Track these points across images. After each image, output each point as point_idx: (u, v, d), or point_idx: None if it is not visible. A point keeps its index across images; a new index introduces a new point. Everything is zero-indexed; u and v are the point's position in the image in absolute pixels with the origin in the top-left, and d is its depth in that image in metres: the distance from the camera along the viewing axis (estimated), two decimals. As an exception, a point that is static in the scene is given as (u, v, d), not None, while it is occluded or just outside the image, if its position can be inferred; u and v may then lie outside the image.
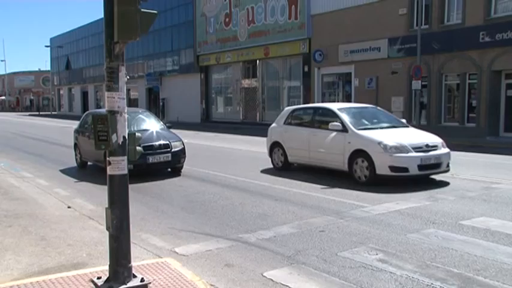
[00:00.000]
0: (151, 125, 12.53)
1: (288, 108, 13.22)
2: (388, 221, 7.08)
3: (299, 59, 29.78)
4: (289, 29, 29.78)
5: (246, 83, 34.91)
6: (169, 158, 11.39)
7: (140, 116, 12.95)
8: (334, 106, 11.64)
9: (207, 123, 36.94)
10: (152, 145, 11.23)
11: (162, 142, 11.46)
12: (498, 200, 8.32)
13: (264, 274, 5.09)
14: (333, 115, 10.99)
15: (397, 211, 7.63)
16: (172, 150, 11.51)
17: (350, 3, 25.81)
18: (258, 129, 29.03)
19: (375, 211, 7.67)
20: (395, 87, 23.60)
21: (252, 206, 8.29)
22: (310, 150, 11.35)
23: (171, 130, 12.77)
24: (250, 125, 31.88)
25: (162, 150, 11.33)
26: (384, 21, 23.78)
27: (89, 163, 13.35)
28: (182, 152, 11.82)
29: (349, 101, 27.05)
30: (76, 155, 13.80)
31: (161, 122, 13.09)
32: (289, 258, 5.59)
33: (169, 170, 12.10)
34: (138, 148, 4.57)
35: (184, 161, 11.99)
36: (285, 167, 12.21)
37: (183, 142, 12.01)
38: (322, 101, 28.65)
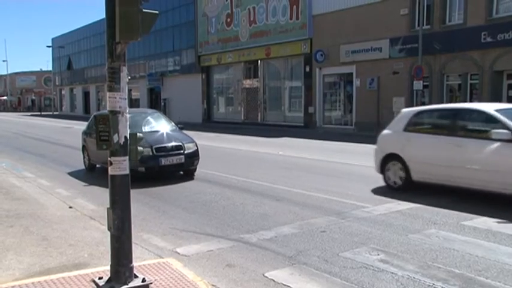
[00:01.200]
0: (162, 126, 12.10)
1: (408, 110, 9.97)
2: (389, 221, 7.08)
3: (300, 59, 29.76)
4: (291, 29, 29.77)
5: (247, 83, 34.90)
6: (183, 160, 10.93)
7: (151, 116, 12.53)
8: (488, 107, 8.54)
9: (209, 123, 36.94)
10: (164, 147, 10.86)
11: (174, 143, 11.04)
12: (500, 200, 8.31)
13: (266, 274, 5.09)
14: (490, 119, 8.12)
15: (398, 211, 7.63)
16: (186, 151, 11.03)
17: (351, 3, 25.80)
18: (259, 129, 29.09)
19: (376, 211, 7.66)
20: (397, 87, 23.58)
21: (253, 206, 8.29)
22: (453, 166, 8.36)
23: (183, 131, 12.40)
24: (252, 126, 31.89)
25: (175, 152, 10.89)
26: (386, 21, 23.77)
27: (97, 166, 12.74)
28: (195, 153, 11.34)
29: (350, 101, 27.09)
30: (84, 157, 13.27)
31: (172, 123, 12.65)
32: (291, 258, 5.59)
33: (181, 173, 11.58)
34: (139, 148, 4.57)
35: (197, 163, 11.49)
36: (406, 185, 9.11)
37: (196, 144, 11.50)
38: (323, 102, 28.71)
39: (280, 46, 30.66)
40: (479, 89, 20.75)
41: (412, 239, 6.17)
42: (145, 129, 11.45)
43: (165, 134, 11.52)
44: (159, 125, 12.10)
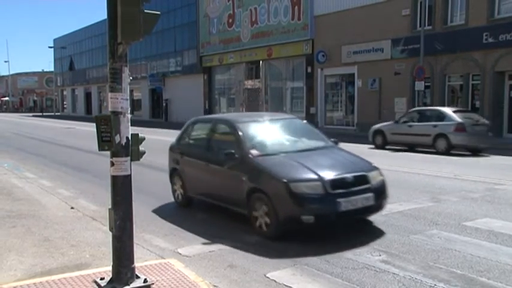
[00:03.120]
0: (314, 141, 7.88)
1: None
2: (390, 222, 7.06)
3: (302, 60, 29.77)
4: (292, 30, 29.78)
5: (249, 83, 34.92)
6: (372, 202, 6.52)
7: (292, 125, 8.39)
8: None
9: (210, 124, 36.88)
10: (343, 179, 6.43)
11: (355, 173, 6.61)
12: (501, 201, 8.30)
13: (267, 275, 5.09)
14: None
15: (399, 212, 7.62)
16: (373, 186, 6.63)
17: (353, 4, 25.81)
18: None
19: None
20: (398, 88, 23.57)
21: (254, 207, 8.27)
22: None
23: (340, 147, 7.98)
24: (253, 126, 31.83)
25: (359, 188, 6.45)
26: (387, 22, 23.76)
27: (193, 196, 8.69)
28: (384, 188, 6.85)
29: (351, 102, 27.08)
30: (174, 185, 8.85)
31: (324, 135, 8.18)
32: (292, 259, 5.58)
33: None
34: (141, 149, 4.57)
35: (386, 202, 6.97)
36: None
37: (380, 171, 7.06)
38: (325, 102, 28.70)
39: (281, 47, 30.67)
40: (481, 89, 20.74)
41: (414, 240, 6.16)
42: (295, 146, 7.55)
43: (332, 157, 7.22)
44: (310, 140, 7.91)
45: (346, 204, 6.19)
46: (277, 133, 7.90)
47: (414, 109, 18.24)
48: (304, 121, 9.06)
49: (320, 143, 7.71)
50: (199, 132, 8.87)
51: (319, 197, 6.13)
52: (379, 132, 17.91)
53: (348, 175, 6.48)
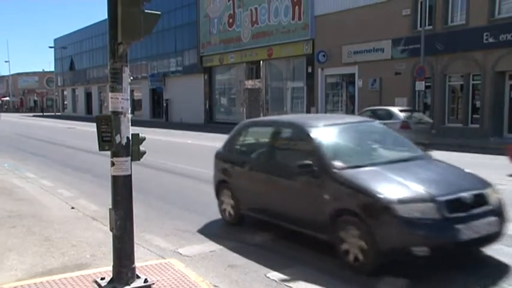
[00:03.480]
0: (402, 147, 6.70)
1: None
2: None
3: (302, 60, 29.77)
4: (293, 30, 29.78)
5: (249, 83, 34.92)
6: (496, 227, 5.23)
7: (376, 131, 7.06)
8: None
9: (211, 124, 36.96)
10: (460, 199, 5.11)
11: (472, 192, 5.27)
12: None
13: (268, 275, 5.08)
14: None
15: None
16: (494, 207, 5.35)
17: (353, 4, 25.80)
18: (261, 130, 29.00)
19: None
20: (399, 88, 23.56)
21: (255, 207, 8.27)
22: None
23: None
24: (254, 126, 31.83)
25: (480, 211, 5.17)
26: (388, 22, 23.75)
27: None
28: (504, 208, 5.48)
29: (352, 102, 27.09)
30: (222, 200, 7.38)
31: (409, 141, 6.95)
32: (293, 259, 5.58)
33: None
34: (142, 149, 4.56)
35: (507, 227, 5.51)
36: None
37: (494, 187, 5.69)
38: (326, 102, 28.69)
39: (282, 47, 30.67)
40: (482, 89, 20.73)
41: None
42: (384, 155, 6.33)
43: (434, 169, 5.97)
44: (398, 148, 6.74)
45: (467, 231, 4.87)
46: (359, 140, 6.58)
47: (368, 108, 19.20)
48: (383, 124, 7.45)
49: (411, 152, 6.40)
50: (256, 137, 7.57)
51: (434, 222, 4.84)
52: None
53: (464, 194, 5.11)
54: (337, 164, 5.58)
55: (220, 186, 7.46)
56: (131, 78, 4.58)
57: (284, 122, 7.32)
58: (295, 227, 6.06)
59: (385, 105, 20.00)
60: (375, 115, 17.74)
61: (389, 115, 16.90)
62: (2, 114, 54.77)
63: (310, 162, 5.69)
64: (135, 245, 4.62)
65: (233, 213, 7.17)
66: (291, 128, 6.81)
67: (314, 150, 5.85)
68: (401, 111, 17.24)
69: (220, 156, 7.70)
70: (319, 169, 5.62)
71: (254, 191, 6.83)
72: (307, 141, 6.03)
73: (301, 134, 6.26)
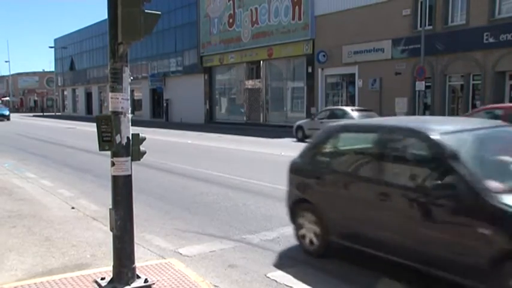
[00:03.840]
0: None
1: None
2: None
3: (302, 60, 29.78)
4: (293, 30, 29.79)
5: (249, 83, 34.94)
6: None
7: (508, 133, 5.35)
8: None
9: (211, 124, 36.98)
10: None
11: None
12: None
13: (268, 275, 5.09)
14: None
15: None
16: None
17: (354, 4, 25.81)
18: (262, 130, 29.07)
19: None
20: (399, 88, 23.57)
21: (255, 207, 8.29)
22: None
23: None
24: (254, 126, 31.90)
25: None
26: (388, 22, 23.76)
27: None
28: None
29: (352, 102, 27.07)
30: (301, 224, 5.87)
31: None
32: (293, 259, 5.58)
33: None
34: (142, 149, 4.56)
35: None
36: None
37: None
38: (326, 102, 28.69)
39: (282, 47, 30.68)
40: (482, 89, 20.74)
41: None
42: None
43: None
44: None
45: None
46: (503, 150, 4.94)
47: (326, 108, 20.98)
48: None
49: None
50: (352, 145, 5.98)
51: None
52: (299, 127, 21.69)
53: None
54: (494, 184, 4.10)
55: (299, 206, 5.91)
56: (131, 78, 4.58)
57: (394, 126, 5.42)
58: (424, 266, 4.55)
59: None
60: (332, 114, 20.26)
61: (344, 114, 19.06)
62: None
63: (453, 182, 4.26)
64: (135, 245, 4.62)
65: (317, 241, 5.58)
66: (407, 135, 5.09)
67: (452, 165, 4.32)
68: (354, 110, 19.63)
69: (298, 169, 6.08)
70: (465, 192, 4.14)
71: (358, 215, 5.15)
72: (437, 152, 4.53)
73: (427, 142, 4.67)
